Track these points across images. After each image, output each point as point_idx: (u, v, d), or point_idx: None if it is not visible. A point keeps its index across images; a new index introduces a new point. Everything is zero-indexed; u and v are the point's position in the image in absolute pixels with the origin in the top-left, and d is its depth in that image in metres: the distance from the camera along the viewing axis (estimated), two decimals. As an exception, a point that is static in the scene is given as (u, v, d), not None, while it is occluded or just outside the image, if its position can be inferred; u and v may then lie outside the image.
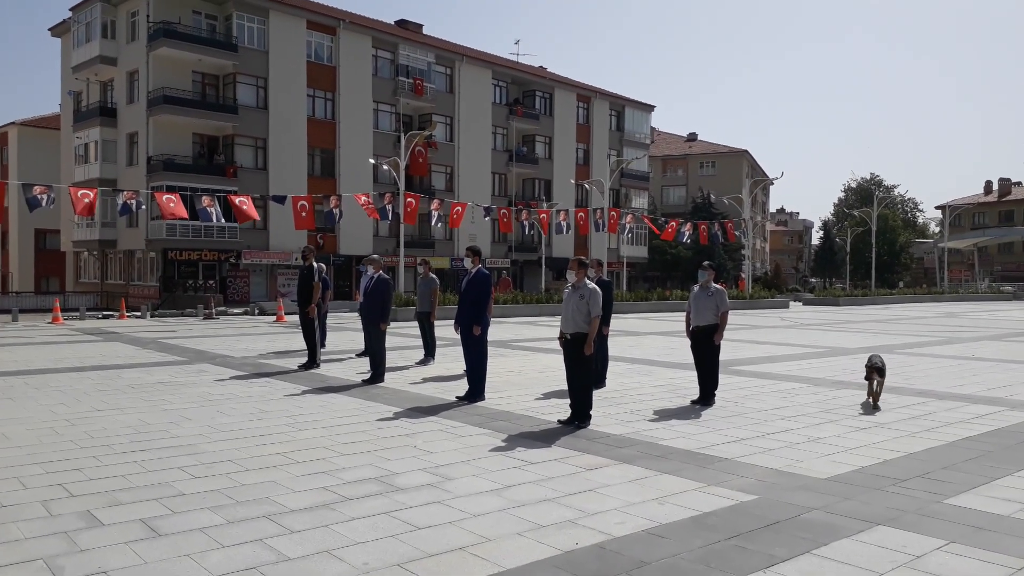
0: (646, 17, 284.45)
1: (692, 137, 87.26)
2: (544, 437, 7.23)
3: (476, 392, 9.20)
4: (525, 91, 54.86)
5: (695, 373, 9.45)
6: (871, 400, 9.00)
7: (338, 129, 43.45)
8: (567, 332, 7.85)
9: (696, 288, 9.35)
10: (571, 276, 8.00)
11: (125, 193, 21.05)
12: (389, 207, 26.48)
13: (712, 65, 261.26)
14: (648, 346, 16.31)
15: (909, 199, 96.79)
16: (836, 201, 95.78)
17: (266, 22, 40.48)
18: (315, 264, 12.44)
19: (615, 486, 5.61)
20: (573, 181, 52.37)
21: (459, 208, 27.92)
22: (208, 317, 24.84)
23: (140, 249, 39.61)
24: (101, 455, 6.36)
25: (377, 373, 10.66)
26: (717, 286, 9.23)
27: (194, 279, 38.62)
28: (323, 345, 13.36)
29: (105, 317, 25.20)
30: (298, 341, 15.21)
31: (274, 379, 10.87)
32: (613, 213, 33.74)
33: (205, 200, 22.29)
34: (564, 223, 32.06)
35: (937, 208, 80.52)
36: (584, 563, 4.18)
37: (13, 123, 52.47)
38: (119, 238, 41.09)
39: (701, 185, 74.68)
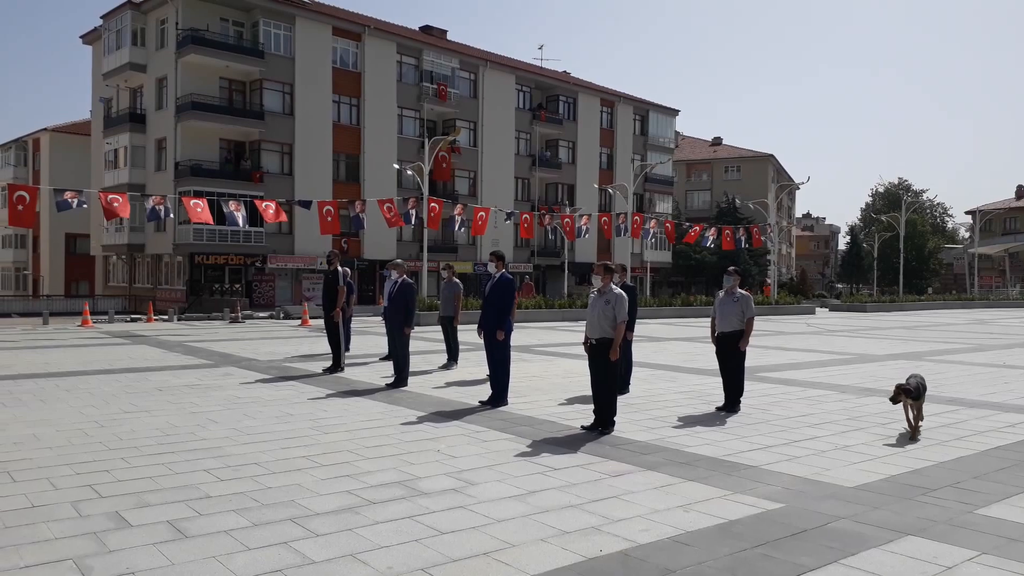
0: (670, 21, 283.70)
1: (717, 141, 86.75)
2: (568, 443, 7.20)
3: (499, 397, 9.19)
4: (548, 96, 54.89)
5: (720, 379, 9.37)
6: (909, 429, 7.75)
7: (363, 134, 43.76)
8: (592, 337, 7.81)
9: (721, 294, 9.27)
10: (597, 281, 7.97)
11: (154, 198, 21.31)
12: (413, 212, 26.59)
13: (738, 69, 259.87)
14: (672, 352, 16.22)
15: (938, 204, 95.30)
16: (863, 206, 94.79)
17: (292, 29, 40.89)
18: (340, 268, 12.51)
19: (640, 493, 5.58)
20: (596, 186, 52.29)
21: (483, 214, 27.94)
22: (234, 321, 25.07)
23: (167, 253, 40.13)
24: (129, 457, 6.44)
25: (401, 377, 10.69)
26: (743, 292, 9.15)
27: (220, 283, 39.05)
28: (347, 349, 13.42)
29: (133, 320, 25.53)
30: (323, 345, 15.30)
31: (299, 383, 10.94)
32: (636, 218, 33.59)
33: (232, 204, 22.51)
34: (585, 227, 31.98)
35: (967, 213, 79.31)
36: (608, 570, 4.15)
37: (45, 129, 53.47)
38: (147, 242, 41.67)
39: (726, 190, 74.21)
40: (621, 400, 8.83)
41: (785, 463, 6.52)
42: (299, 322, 24.31)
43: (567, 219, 31.88)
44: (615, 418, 7.82)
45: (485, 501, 5.32)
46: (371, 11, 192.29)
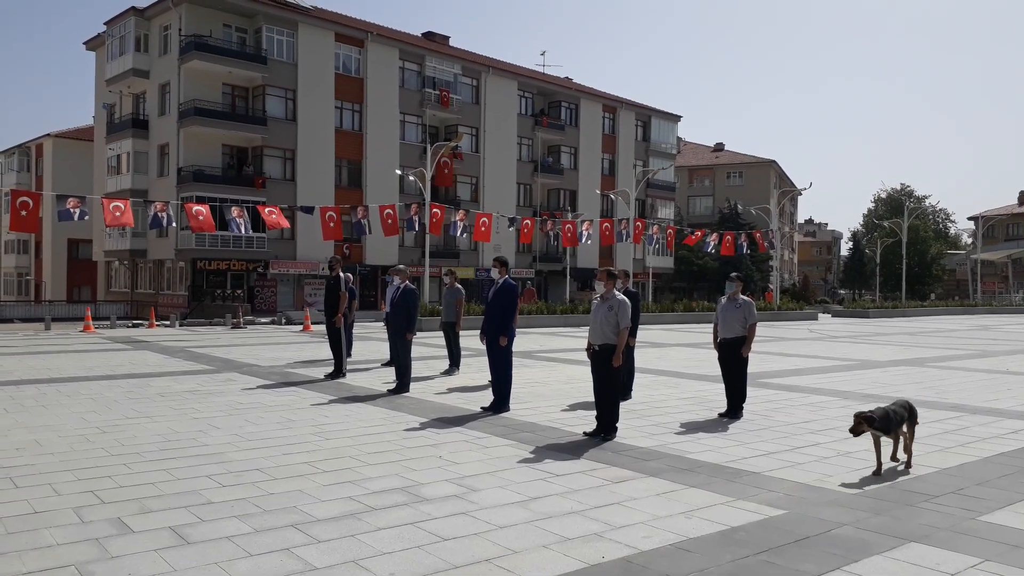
0: (672, 27, 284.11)
1: (719, 147, 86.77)
2: (570, 449, 7.19)
3: (501, 403, 9.19)
4: (551, 102, 54.96)
5: (722, 386, 9.36)
6: (877, 465, 6.34)
7: (365, 140, 43.83)
8: (595, 343, 7.80)
9: (724, 300, 9.26)
10: (599, 287, 7.96)
11: (156, 205, 21.34)
12: (415, 218, 26.63)
13: (740, 76, 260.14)
14: (674, 358, 16.20)
15: (941, 210, 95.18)
16: (866, 212, 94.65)
17: (295, 35, 40.99)
18: (342, 274, 12.53)
19: (642, 499, 5.57)
20: (598, 191, 52.31)
21: (485, 220, 27.95)
22: (236, 326, 25.09)
23: (169, 259, 40.17)
24: (131, 463, 6.44)
25: (403, 383, 10.69)
26: (745, 298, 9.14)
27: (222, 289, 39.06)
28: (349, 355, 13.43)
29: (135, 326, 25.57)
30: (324, 351, 15.30)
31: (301, 388, 10.94)
32: (638, 223, 33.61)
33: (234, 211, 22.53)
34: (587, 233, 32.00)
35: (970, 219, 79.28)
36: (611, 577, 4.14)
37: (48, 135, 53.61)
38: (149, 248, 41.73)
39: (728, 196, 74.22)
40: (623, 406, 8.81)
41: (788, 469, 6.51)
42: (301, 328, 24.32)
43: (568, 225, 31.92)
44: (617, 424, 7.81)
45: (487, 507, 5.32)
46: (374, 17, 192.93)
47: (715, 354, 9.39)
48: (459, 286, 13.58)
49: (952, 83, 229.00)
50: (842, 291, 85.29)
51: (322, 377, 12.11)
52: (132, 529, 4.75)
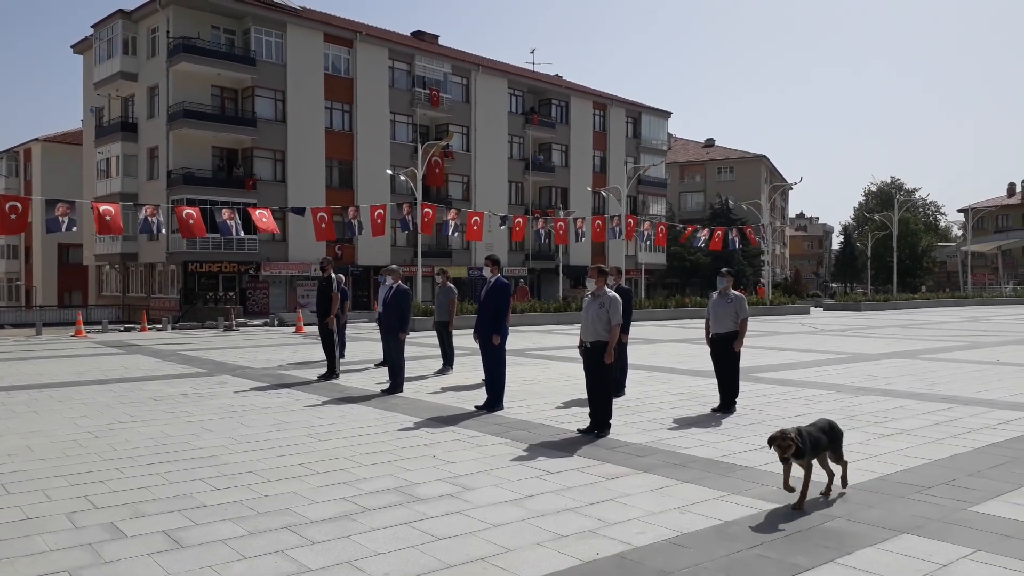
0: (662, 24, 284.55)
1: (710, 143, 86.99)
2: (564, 446, 7.21)
3: (495, 401, 9.20)
4: (541, 100, 54.97)
5: (715, 381, 9.39)
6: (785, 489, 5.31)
7: (356, 140, 43.75)
8: (587, 340, 7.81)
9: (715, 295, 9.29)
10: (591, 284, 7.97)
11: (146, 209, 21.24)
12: (408, 218, 26.59)
13: (729, 71, 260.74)
14: (667, 354, 16.24)
15: (931, 202, 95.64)
16: (856, 205, 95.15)
17: (284, 36, 40.88)
18: (334, 275, 12.51)
19: (636, 495, 5.58)
20: (590, 189, 52.36)
21: (477, 219, 27.94)
22: (228, 329, 25.03)
23: (161, 262, 40.03)
24: (124, 467, 6.42)
25: (396, 383, 10.68)
26: (736, 293, 9.18)
27: (214, 291, 38.97)
28: (342, 355, 13.42)
29: (127, 330, 25.48)
30: (317, 352, 15.28)
31: (294, 390, 10.93)
32: (630, 220, 33.66)
33: (225, 213, 22.46)
34: (580, 231, 32.03)
35: (960, 211, 79.69)
36: (605, 573, 4.16)
37: (37, 139, 53.38)
38: (140, 251, 41.58)
39: (719, 191, 74.43)
40: (617, 403, 8.83)
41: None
42: (293, 329, 24.28)
43: (560, 223, 31.93)
44: (611, 421, 7.82)
45: (481, 506, 5.32)
46: (362, 17, 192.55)
47: (707, 349, 9.43)
48: (452, 285, 13.60)
49: (942, 76, 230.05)
50: (834, 285, 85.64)
51: (315, 378, 12.09)
52: (125, 534, 4.74)
